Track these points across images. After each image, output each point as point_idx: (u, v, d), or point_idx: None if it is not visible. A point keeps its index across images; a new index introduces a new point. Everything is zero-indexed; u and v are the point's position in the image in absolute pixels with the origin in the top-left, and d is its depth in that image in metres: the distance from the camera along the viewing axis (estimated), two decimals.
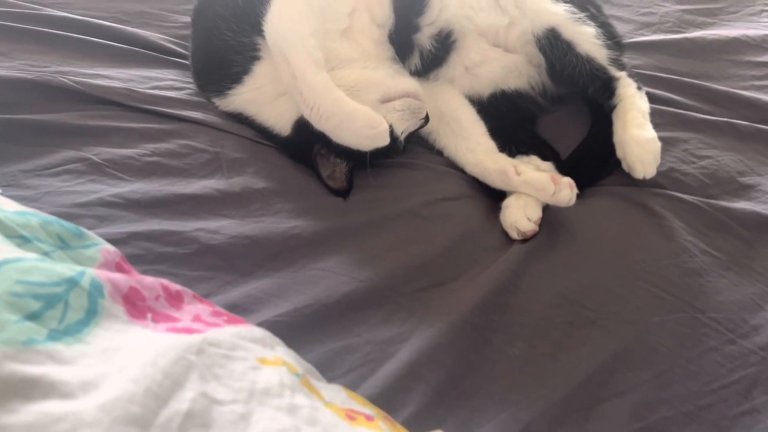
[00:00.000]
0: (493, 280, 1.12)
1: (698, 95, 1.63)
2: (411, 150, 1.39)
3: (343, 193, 1.24)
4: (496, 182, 1.30)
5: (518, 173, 1.27)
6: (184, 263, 1.06)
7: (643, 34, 1.84)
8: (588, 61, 1.41)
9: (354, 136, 1.18)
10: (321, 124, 1.18)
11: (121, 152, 1.21)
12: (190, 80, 1.40)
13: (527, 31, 1.42)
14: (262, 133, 1.32)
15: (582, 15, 1.40)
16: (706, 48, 1.79)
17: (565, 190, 1.22)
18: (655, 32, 1.86)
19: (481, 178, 1.33)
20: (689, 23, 1.91)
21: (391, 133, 1.25)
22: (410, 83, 1.31)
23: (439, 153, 1.41)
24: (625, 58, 1.49)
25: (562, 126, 1.52)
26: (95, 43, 1.42)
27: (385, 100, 1.28)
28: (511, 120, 1.45)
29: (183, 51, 1.50)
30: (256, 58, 1.27)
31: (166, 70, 1.42)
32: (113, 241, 0.85)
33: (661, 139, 1.39)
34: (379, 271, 1.11)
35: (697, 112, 1.57)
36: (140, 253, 1.04)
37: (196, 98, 1.37)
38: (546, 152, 1.40)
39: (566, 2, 1.42)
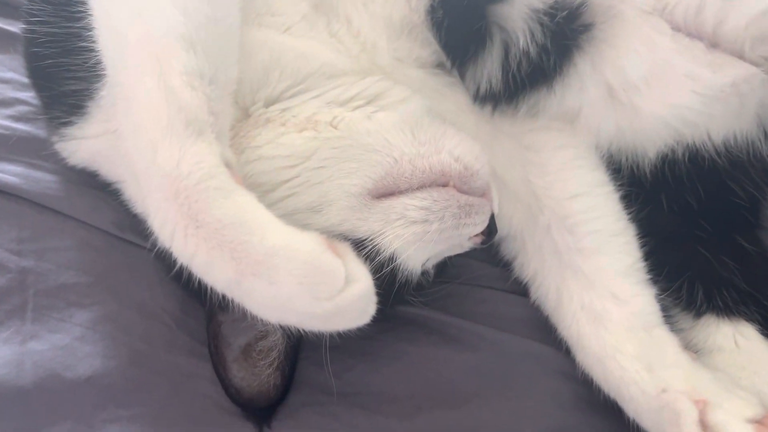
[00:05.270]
0: None
1: None
2: (451, 275, 0.68)
3: (262, 412, 0.60)
4: (644, 419, 0.59)
5: (705, 422, 0.54)
6: None
7: None
8: None
9: (275, 308, 0.49)
10: (198, 270, 0.51)
11: None
12: None
13: None
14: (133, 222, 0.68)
15: None
16: None
17: None
18: None
19: (607, 388, 0.61)
20: None
21: (392, 264, 0.57)
22: (456, 148, 0.58)
23: (519, 285, 0.71)
24: None
25: None
26: None
27: (386, 193, 0.58)
28: (704, 223, 0.67)
29: None
30: (105, 68, 0.60)
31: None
32: None
33: None
34: None
35: None
36: None
37: (25, 128, 0.73)
38: None
39: None
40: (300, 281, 0.47)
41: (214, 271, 0.50)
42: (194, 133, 0.49)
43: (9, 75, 0.79)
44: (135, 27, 0.51)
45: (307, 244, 0.48)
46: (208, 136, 0.50)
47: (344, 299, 0.48)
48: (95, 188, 0.69)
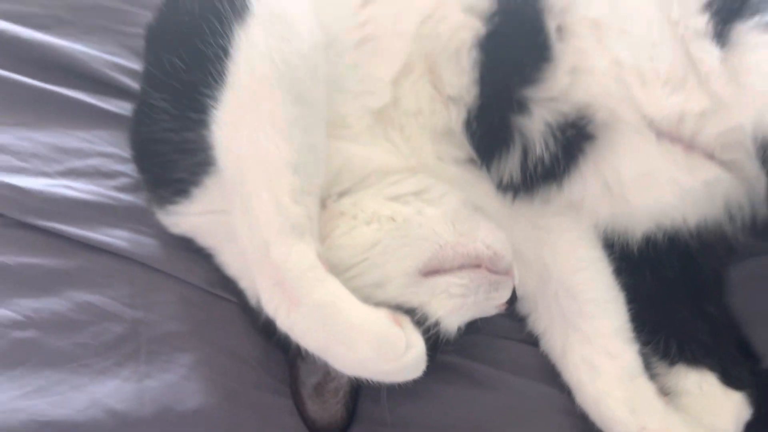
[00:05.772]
0: None
1: None
2: (481, 329, 0.82)
3: None
4: None
5: None
6: None
7: None
8: None
9: (355, 366, 0.65)
10: (293, 334, 0.66)
11: None
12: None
13: (743, 126, 0.76)
14: (224, 280, 0.83)
15: None
16: None
17: None
18: None
19: (600, 424, 0.77)
20: None
21: (436, 328, 0.72)
22: (487, 237, 0.73)
23: (531, 337, 0.86)
24: None
25: None
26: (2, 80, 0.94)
27: (432, 272, 0.73)
28: (680, 294, 0.84)
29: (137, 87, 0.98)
30: (208, 165, 0.74)
31: (100, 133, 0.93)
32: None
33: None
34: None
35: None
36: None
37: (130, 199, 0.88)
38: (736, 368, 0.81)
39: None
40: (373, 349, 0.64)
41: (307, 338, 0.66)
42: (298, 236, 0.65)
43: (110, 150, 0.92)
44: (253, 153, 0.67)
45: (379, 320, 0.65)
46: (307, 237, 0.66)
47: (405, 361, 0.64)
48: (190, 251, 0.84)
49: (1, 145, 0.90)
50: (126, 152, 0.92)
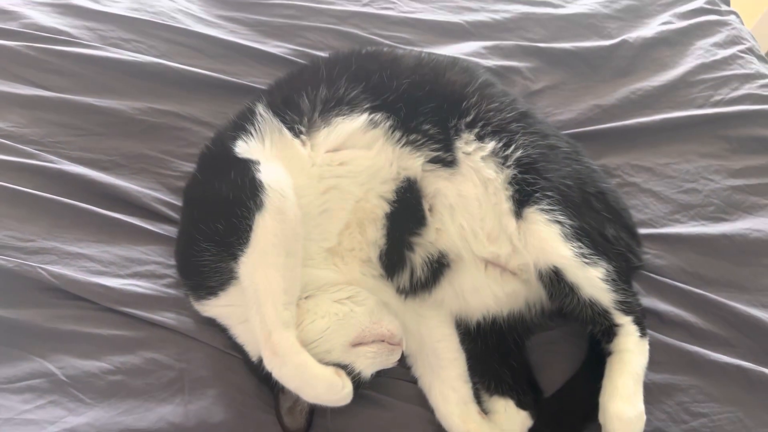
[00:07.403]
0: None
1: (719, 317, 1.51)
2: (386, 375, 1.37)
3: None
4: None
5: None
6: None
7: (678, 220, 1.69)
8: (590, 306, 1.34)
9: (314, 398, 1.19)
10: (281, 380, 1.18)
11: (87, 366, 1.26)
12: (173, 263, 1.41)
13: (529, 263, 1.35)
14: (234, 344, 1.34)
15: (593, 257, 1.31)
16: (745, 249, 1.64)
17: None
18: (693, 218, 1.71)
19: (447, 428, 1.32)
20: (736, 206, 1.73)
21: (359, 375, 1.25)
22: (389, 325, 1.28)
23: (413, 378, 1.40)
24: (635, 299, 1.38)
25: (555, 350, 1.46)
26: (83, 210, 1.43)
27: (357, 344, 1.26)
28: (496, 354, 1.41)
29: (173, 214, 1.49)
30: (233, 279, 1.25)
31: (151, 248, 1.43)
32: None
33: (656, 385, 1.37)
34: None
35: (710, 346, 1.47)
36: None
37: (173, 292, 1.38)
38: (526, 396, 1.37)
39: (579, 236, 1.33)
40: (326, 389, 1.17)
41: (289, 382, 1.17)
42: (286, 328, 1.17)
43: (159, 259, 1.41)
44: (263, 282, 1.18)
45: (329, 373, 1.17)
46: (291, 328, 1.18)
47: (342, 395, 1.18)
48: (213, 326, 1.34)
49: (90, 256, 1.39)
50: (168, 261, 1.43)
